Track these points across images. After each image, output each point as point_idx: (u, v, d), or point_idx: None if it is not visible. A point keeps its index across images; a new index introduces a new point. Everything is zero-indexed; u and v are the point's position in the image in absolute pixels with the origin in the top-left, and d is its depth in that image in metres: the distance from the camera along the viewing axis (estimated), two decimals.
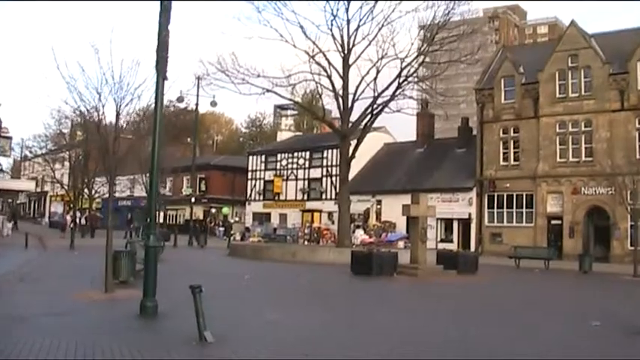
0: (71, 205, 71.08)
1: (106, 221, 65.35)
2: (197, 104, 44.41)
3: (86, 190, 59.89)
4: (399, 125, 63.26)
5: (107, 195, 62.97)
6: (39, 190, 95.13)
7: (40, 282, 17.85)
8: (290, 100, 35.05)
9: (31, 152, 77.19)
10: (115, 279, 16.95)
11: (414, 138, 58.35)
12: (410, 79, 33.76)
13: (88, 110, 15.19)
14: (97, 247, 30.28)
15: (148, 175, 59.56)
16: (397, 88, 33.61)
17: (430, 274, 23.25)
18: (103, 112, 15.13)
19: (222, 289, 17.29)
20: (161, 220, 62.66)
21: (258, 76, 34.40)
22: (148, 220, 13.10)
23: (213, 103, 45.42)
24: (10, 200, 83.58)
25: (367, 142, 53.03)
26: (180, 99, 44.43)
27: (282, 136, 72.68)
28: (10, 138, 46.91)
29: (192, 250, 40.24)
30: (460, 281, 22.61)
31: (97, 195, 60.02)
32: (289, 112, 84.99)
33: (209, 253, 36.51)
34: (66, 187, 70.47)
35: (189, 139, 78.95)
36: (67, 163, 67.53)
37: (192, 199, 47.29)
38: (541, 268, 30.19)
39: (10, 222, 48.21)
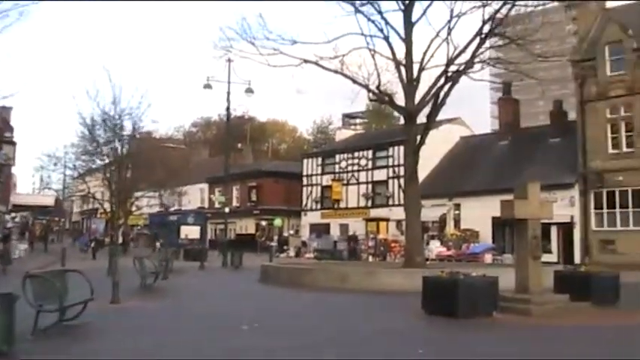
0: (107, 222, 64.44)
1: (157, 237, 58.42)
2: (229, 92, 36.69)
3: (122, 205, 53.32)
4: (474, 116, 54.78)
5: (152, 209, 56.20)
6: (90, 207, 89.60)
7: None
8: (335, 71, 26.16)
9: (74, 167, 71.07)
10: None
11: (492, 129, 49.57)
12: (496, 31, 24.68)
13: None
14: (101, 268, 25.51)
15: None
16: (479, 46, 24.73)
17: (552, 310, 14.18)
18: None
19: None
20: (196, 236, 55.23)
21: (294, 42, 26.14)
22: None
23: (249, 90, 37.39)
24: (48, 219, 77.99)
25: (440, 137, 44.27)
26: (207, 86, 36.58)
27: (342, 135, 63.97)
28: (14, 144, 40.12)
29: (223, 271, 32.26)
30: (610, 324, 13.13)
31: (135, 210, 53.07)
32: (358, 120, 78.28)
33: (238, 277, 28.61)
34: (100, 202, 63.83)
35: (239, 145, 71.73)
36: (100, 175, 60.94)
37: (227, 210, 39.57)
38: None
39: (23, 243, 41.50)
